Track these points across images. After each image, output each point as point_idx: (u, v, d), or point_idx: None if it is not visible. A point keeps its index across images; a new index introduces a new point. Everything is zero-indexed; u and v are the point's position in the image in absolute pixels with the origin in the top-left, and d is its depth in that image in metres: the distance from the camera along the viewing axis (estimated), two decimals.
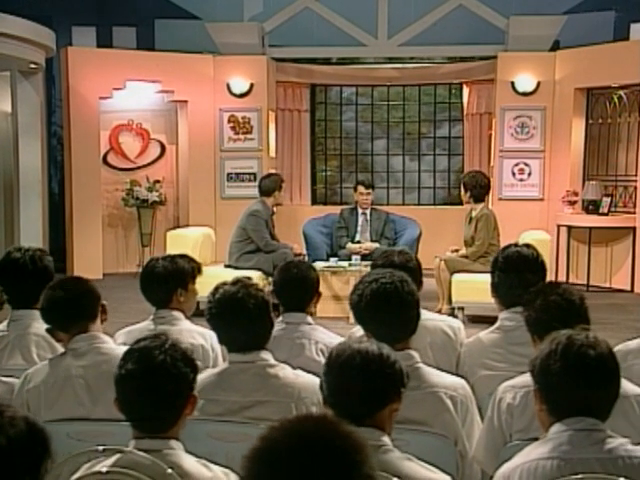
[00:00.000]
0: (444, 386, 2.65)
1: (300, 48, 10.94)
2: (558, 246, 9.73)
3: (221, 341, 2.92)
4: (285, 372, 2.79)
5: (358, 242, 8.51)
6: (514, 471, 2.06)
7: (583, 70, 9.77)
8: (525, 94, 10.11)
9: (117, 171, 10.71)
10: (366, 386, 2.06)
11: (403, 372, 2.14)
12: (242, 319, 2.76)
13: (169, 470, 2.00)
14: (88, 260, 10.13)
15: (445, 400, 2.63)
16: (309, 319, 3.45)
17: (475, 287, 6.87)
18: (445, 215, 10.83)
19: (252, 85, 10.49)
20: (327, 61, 11.54)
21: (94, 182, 10.18)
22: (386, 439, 2.06)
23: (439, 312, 7.59)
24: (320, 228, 8.91)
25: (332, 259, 7.99)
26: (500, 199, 10.25)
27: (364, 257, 8.09)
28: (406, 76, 11.58)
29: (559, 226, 9.77)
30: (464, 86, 11.42)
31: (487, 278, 6.25)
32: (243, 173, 10.53)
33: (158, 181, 10.59)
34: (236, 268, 7.40)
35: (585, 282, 9.50)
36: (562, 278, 9.77)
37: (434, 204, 11.87)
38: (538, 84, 10.07)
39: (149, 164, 10.89)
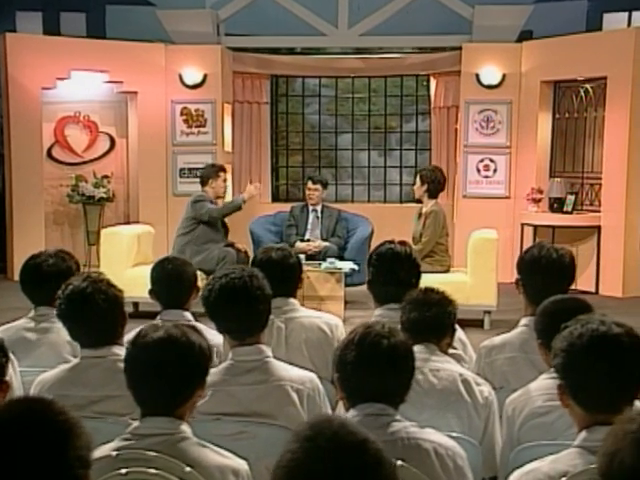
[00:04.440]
0: (290, 380, 2.83)
1: (257, 37, 11.07)
2: (522, 246, 9.90)
3: (73, 337, 3.09)
4: None
5: (308, 240, 8.67)
6: None
7: (549, 62, 9.93)
8: (490, 87, 10.28)
9: (63, 166, 10.79)
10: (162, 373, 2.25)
11: (206, 356, 2.33)
12: (92, 315, 2.93)
13: None
14: None
15: (291, 393, 2.80)
16: (188, 316, 3.62)
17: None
18: (412, 213, 10.91)
19: (206, 76, 10.63)
20: (291, 51, 11.67)
21: (36, 177, 10.24)
22: (184, 427, 2.23)
23: None
24: (269, 226, 9.08)
25: None
26: (465, 196, 10.44)
27: (311, 257, 8.26)
28: (371, 67, 11.72)
29: (523, 225, 9.95)
30: (431, 78, 11.57)
31: (433, 278, 6.40)
32: (196, 168, 10.60)
33: (107, 176, 10.70)
34: None
35: None
36: None
37: (400, 201, 12.05)
38: (504, 76, 10.24)
39: (98, 158, 10.96)
